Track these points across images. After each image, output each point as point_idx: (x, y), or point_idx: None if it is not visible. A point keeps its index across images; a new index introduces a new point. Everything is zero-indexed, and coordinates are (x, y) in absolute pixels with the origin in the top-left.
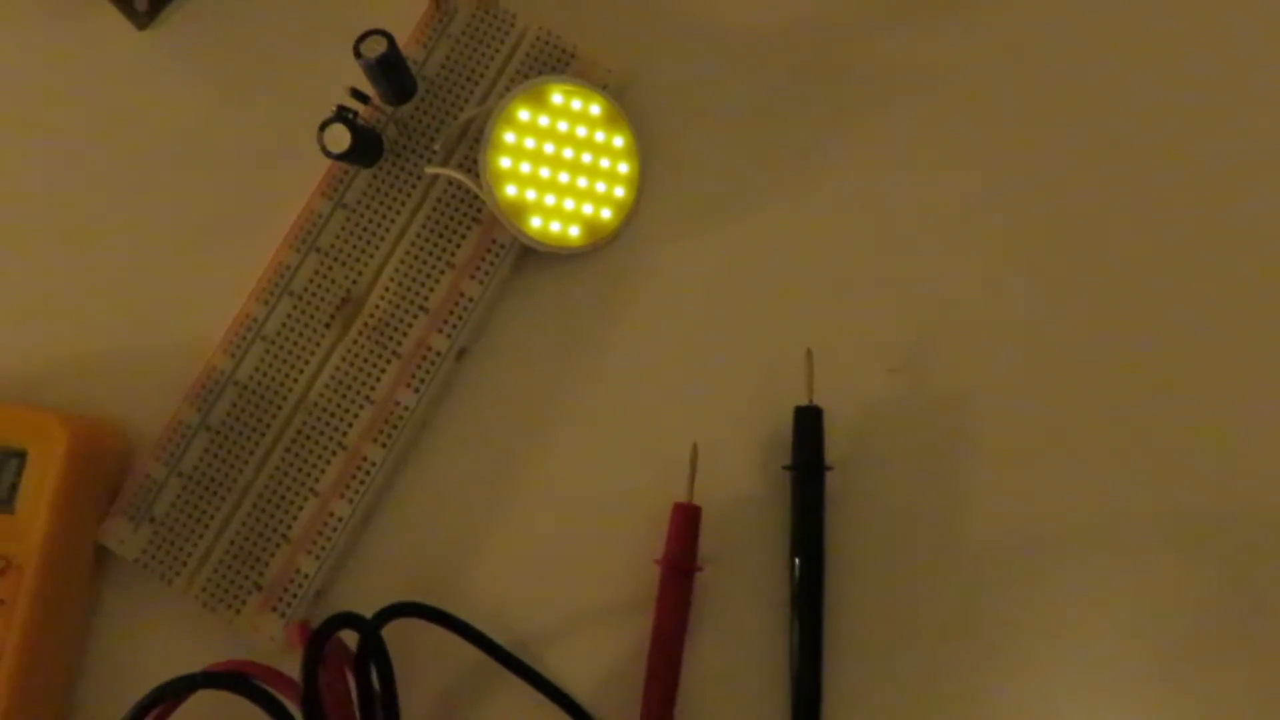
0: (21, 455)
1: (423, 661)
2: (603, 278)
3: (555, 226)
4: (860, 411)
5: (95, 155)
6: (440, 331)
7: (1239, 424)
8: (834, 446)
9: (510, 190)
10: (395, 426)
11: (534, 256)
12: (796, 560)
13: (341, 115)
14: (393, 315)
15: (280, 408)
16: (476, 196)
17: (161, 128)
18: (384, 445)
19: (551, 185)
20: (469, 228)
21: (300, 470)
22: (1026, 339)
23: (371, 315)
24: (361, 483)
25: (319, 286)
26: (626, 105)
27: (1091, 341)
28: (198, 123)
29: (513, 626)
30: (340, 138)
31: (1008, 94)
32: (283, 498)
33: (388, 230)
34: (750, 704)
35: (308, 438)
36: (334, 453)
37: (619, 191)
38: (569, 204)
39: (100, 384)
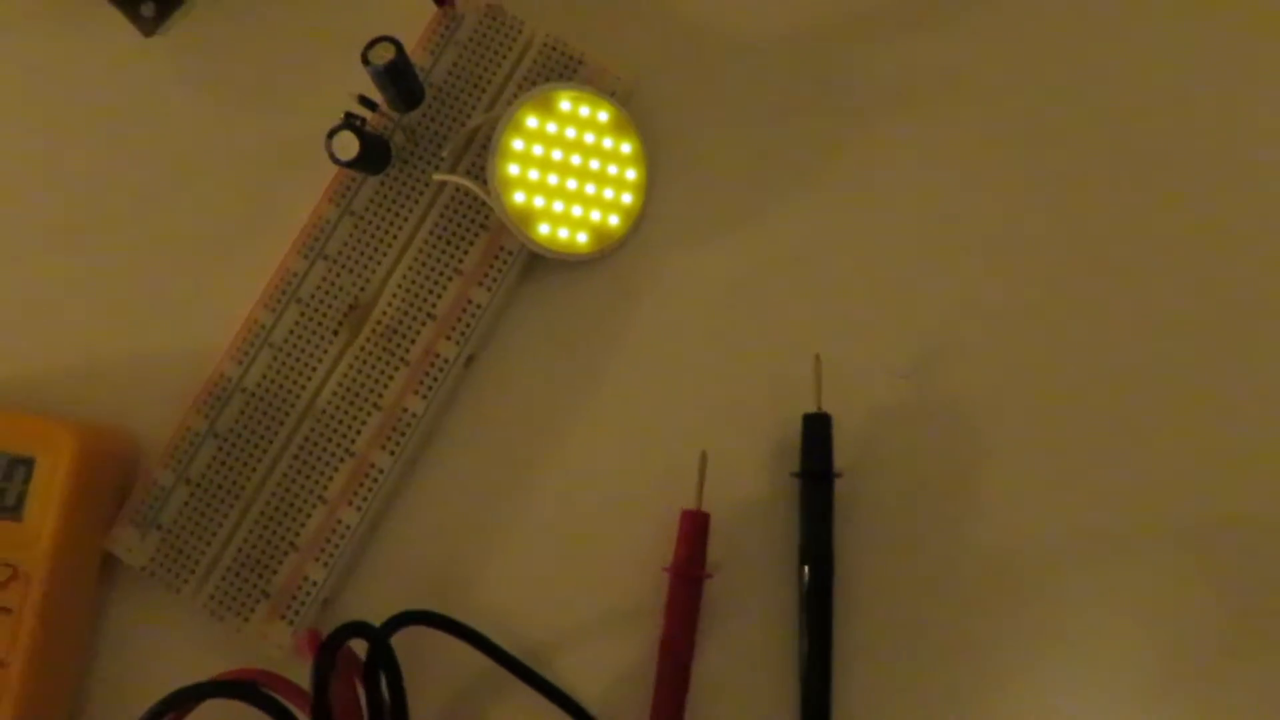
0: (29, 463)
1: (432, 669)
2: (610, 284)
3: (563, 233)
4: (869, 418)
5: (102, 162)
6: (448, 338)
7: (1248, 433)
8: (842, 453)
9: (518, 197)
10: (403, 433)
11: (542, 263)
12: (805, 567)
13: (349, 122)
14: (400, 322)
15: (288, 415)
16: (484, 203)
17: (168, 134)
18: (392, 452)
19: (559, 192)
20: (477, 234)
21: (308, 478)
22: (1035, 346)
23: (379, 322)
24: (369, 490)
25: (326, 293)
26: (634, 111)
27: (1100, 349)
28: (204, 129)
29: (521, 634)
30: (348, 145)
31: (1016, 100)
32: (291, 505)
33: (395, 237)
34: (759, 711)
35: (315, 445)
36: (342, 460)
37: (626, 198)
38: (577, 210)
39: (108, 391)
